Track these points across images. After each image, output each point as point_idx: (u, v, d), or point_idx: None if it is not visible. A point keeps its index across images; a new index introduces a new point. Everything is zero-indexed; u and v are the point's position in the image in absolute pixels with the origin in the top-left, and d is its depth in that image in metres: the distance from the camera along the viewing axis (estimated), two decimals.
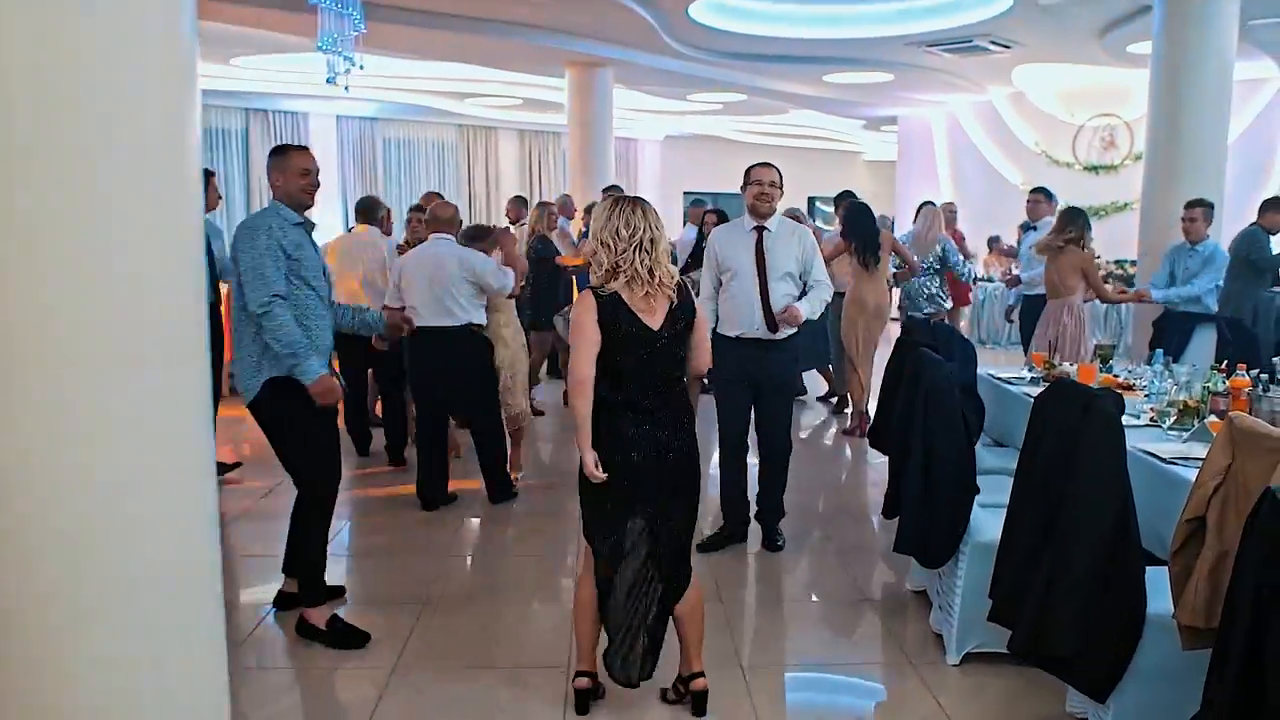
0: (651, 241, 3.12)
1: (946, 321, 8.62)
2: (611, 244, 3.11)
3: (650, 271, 3.11)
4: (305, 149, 4.07)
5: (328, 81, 6.87)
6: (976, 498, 3.80)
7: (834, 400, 8.71)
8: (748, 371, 4.83)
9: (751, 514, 5.09)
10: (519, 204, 10.10)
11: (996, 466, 4.74)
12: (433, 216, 5.73)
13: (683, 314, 3.20)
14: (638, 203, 3.17)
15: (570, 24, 10.23)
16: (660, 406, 3.18)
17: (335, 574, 4.53)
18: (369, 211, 7.16)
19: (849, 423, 7.91)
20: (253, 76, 13.27)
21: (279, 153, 4.00)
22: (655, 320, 3.14)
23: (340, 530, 5.37)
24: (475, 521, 5.64)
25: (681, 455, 3.21)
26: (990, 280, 13.22)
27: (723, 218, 8.24)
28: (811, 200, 22.71)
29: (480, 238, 5.80)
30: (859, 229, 7.50)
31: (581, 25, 10.33)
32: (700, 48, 11.27)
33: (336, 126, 16.11)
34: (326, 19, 6.04)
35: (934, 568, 3.87)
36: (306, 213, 3.96)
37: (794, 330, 4.82)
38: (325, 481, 4.02)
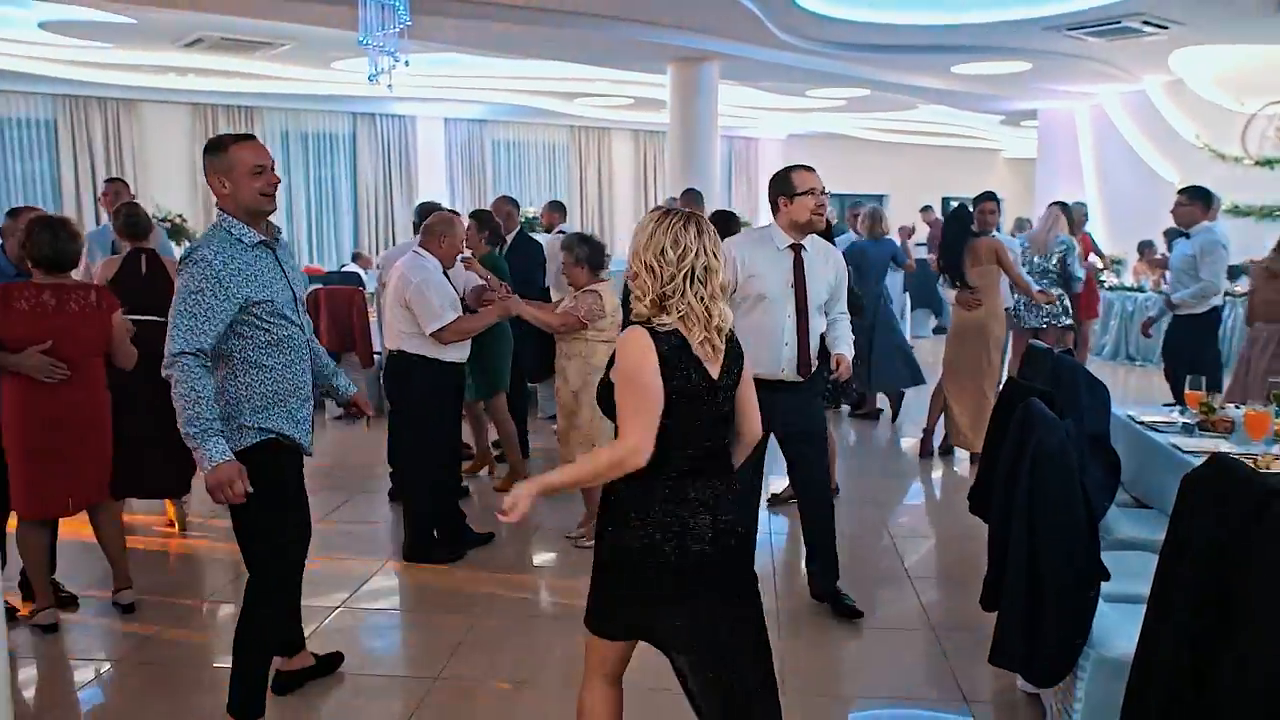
0: (706, 270, 2.39)
1: (1069, 337, 7.59)
2: (657, 267, 2.38)
3: (708, 311, 2.39)
4: (251, 137, 3.15)
5: (369, 80, 6.36)
6: (1105, 584, 2.92)
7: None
8: (772, 420, 4.04)
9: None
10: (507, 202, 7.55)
11: (1137, 537, 3.82)
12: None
13: (736, 363, 2.51)
14: (693, 219, 2.43)
15: (671, 16, 9.53)
16: (718, 474, 2.47)
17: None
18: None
19: (927, 443, 7.20)
20: (358, 80, 13.06)
21: (215, 149, 3.06)
22: (715, 369, 2.44)
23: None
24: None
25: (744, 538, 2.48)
26: (1141, 290, 11.89)
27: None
28: (946, 200, 21.42)
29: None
30: (943, 242, 6.65)
31: (683, 17, 9.62)
32: (811, 38, 10.41)
33: (444, 129, 15.83)
34: (367, 11, 5.50)
35: (1043, 687, 3.00)
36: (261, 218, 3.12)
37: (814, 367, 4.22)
38: (278, 565, 3.31)
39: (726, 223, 5.98)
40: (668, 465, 2.38)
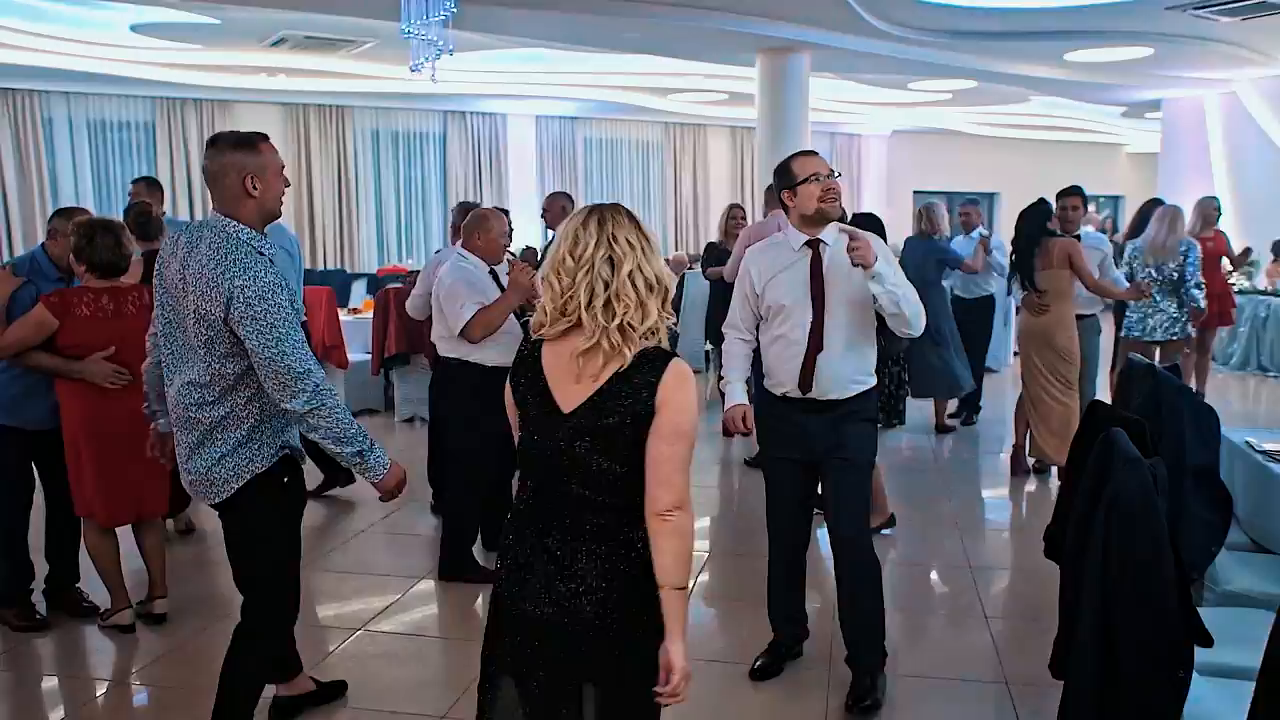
0: (611, 263, 2.01)
1: (1188, 349, 6.87)
2: (555, 278, 2.04)
3: (605, 307, 2.00)
4: (267, 137, 2.90)
5: (412, 70, 6.09)
6: (1206, 653, 2.41)
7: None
8: (802, 444, 3.56)
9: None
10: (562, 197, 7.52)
11: (1252, 590, 3.26)
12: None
13: (628, 397, 2.00)
14: (597, 211, 2.08)
15: (757, 4, 9.06)
16: (566, 544, 2.05)
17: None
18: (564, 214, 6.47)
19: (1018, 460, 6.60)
20: (448, 78, 12.96)
21: (247, 145, 2.80)
22: (571, 394, 2.04)
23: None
24: None
25: (588, 621, 2.03)
26: (1276, 294, 10.90)
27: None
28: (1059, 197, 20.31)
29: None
30: (1015, 238, 6.11)
31: (770, 6, 9.14)
32: (908, 26, 9.79)
33: (535, 127, 15.64)
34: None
35: None
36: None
37: (867, 385, 3.55)
38: (286, 588, 3.05)
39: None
40: (528, 510, 2.14)
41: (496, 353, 4.55)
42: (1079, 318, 6.17)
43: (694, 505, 2.05)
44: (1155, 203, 7.05)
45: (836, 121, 17.48)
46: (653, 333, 2.04)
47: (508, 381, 2.15)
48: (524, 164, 15.57)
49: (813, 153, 3.57)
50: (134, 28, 9.93)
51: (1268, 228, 11.55)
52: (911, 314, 3.37)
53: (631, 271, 2.02)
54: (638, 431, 1.97)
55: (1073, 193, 6.32)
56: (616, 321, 1.98)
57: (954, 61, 11.16)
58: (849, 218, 5.40)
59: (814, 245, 3.50)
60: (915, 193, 19.46)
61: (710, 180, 17.25)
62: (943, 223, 7.73)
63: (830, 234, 3.49)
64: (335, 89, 12.92)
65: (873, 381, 3.56)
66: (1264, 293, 11.06)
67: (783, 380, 3.53)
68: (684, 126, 16.74)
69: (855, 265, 3.30)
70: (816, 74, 11.05)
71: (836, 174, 3.47)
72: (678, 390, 2.00)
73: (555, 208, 6.60)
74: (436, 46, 5.84)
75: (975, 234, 8.26)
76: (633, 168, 16.63)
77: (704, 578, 4.88)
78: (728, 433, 4.53)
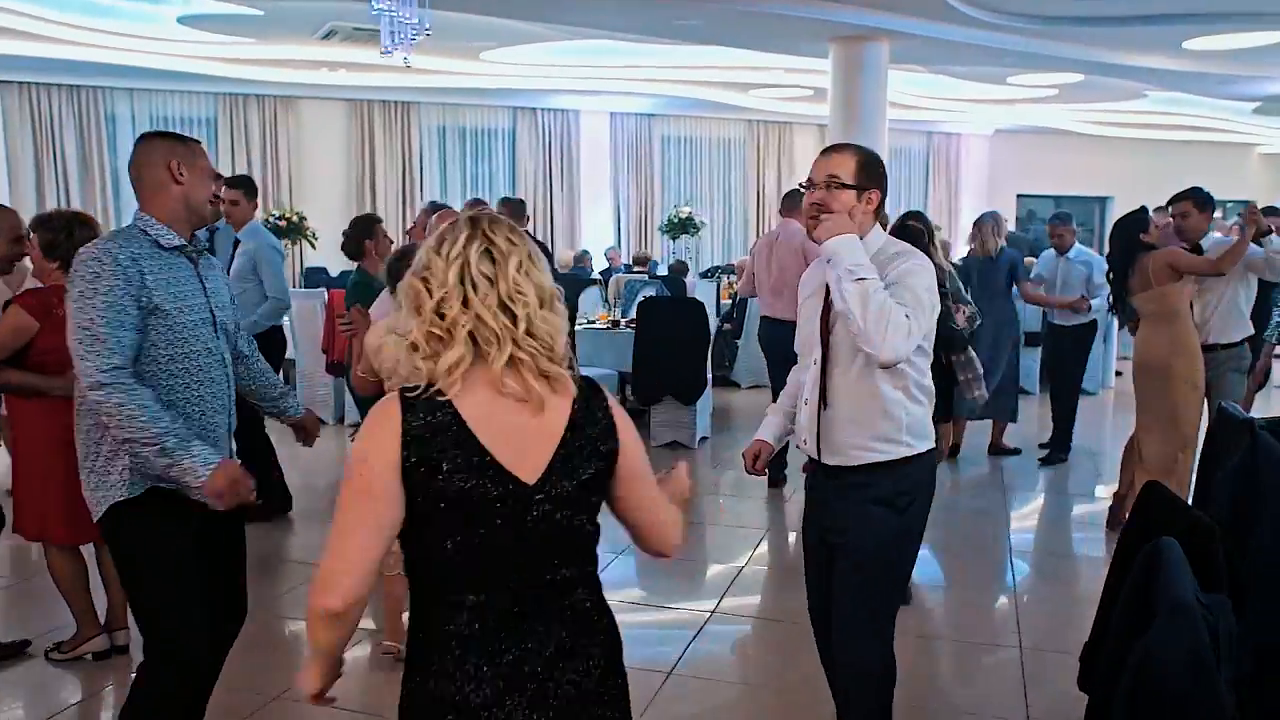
0: (491, 258, 1.61)
1: None
2: (419, 286, 1.61)
3: (504, 310, 1.59)
4: (198, 140, 2.81)
5: (383, 53, 5.52)
6: None
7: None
8: (817, 518, 2.87)
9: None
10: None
11: None
12: None
13: (597, 438, 1.67)
14: (467, 218, 1.66)
15: None
16: (537, 615, 1.64)
17: None
18: (518, 216, 5.85)
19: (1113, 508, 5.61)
20: (518, 73, 12.49)
21: (179, 138, 2.76)
22: (528, 455, 1.59)
23: None
24: None
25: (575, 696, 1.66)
26: None
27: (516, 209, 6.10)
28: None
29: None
30: (1110, 258, 5.32)
31: None
32: (1000, 11, 8.83)
33: (609, 124, 15.03)
34: None
35: None
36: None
37: (882, 455, 2.67)
38: (171, 651, 2.63)
39: (903, 229, 4.63)
40: (471, 612, 1.60)
41: None
42: (1220, 346, 5.19)
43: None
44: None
45: (934, 119, 16.43)
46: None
47: (394, 471, 1.55)
48: (597, 162, 14.99)
49: (823, 153, 2.78)
50: (181, 20, 9.67)
51: None
52: (869, 328, 2.46)
53: (522, 264, 1.61)
54: (605, 478, 1.68)
55: (1182, 198, 5.31)
56: (524, 327, 1.58)
57: (1054, 51, 10.11)
58: (888, 224, 4.64)
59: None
60: (1019, 196, 18.24)
61: (796, 180, 16.37)
62: (991, 239, 6.83)
63: (870, 248, 2.69)
64: (399, 84, 12.54)
65: (897, 452, 2.65)
66: None
67: (800, 433, 2.88)
68: (768, 124, 15.91)
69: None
70: (897, 65, 10.15)
71: (824, 184, 2.66)
72: (625, 417, 1.73)
73: (423, 221, 5.44)
74: (412, 26, 5.25)
75: (1075, 253, 7.17)
76: (713, 167, 15.88)
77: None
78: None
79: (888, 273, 2.58)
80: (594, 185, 14.89)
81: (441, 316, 1.56)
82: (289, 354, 7.40)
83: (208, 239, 5.47)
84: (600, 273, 12.22)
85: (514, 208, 5.94)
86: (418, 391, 1.56)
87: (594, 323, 8.41)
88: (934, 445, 2.75)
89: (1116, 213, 18.83)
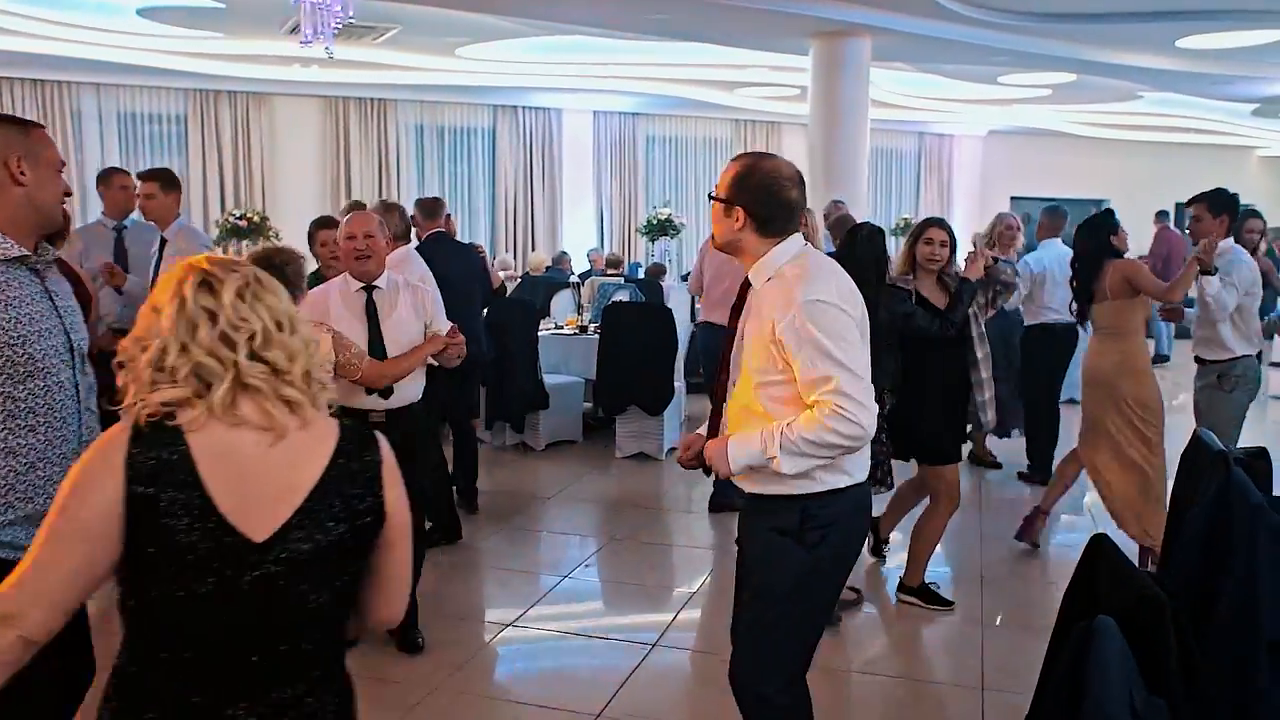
0: (210, 289, 1.45)
1: None
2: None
3: (255, 358, 1.42)
4: (41, 126, 2.42)
5: (302, 44, 5.20)
6: None
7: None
8: (738, 536, 2.68)
9: None
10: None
11: None
12: None
13: (353, 496, 1.46)
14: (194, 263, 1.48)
15: None
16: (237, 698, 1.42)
17: None
18: (432, 214, 5.57)
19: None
20: (497, 70, 12.17)
21: (17, 124, 2.36)
22: (263, 514, 1.38)
23: None
24: None
25: None
26: None
27: None
28: (1179, 207, 18.48)
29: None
30: (1075, 261, 5.08)
31: None
32: (988, 7, 8.52)
33: (592, 123, 14.70)
34: None
35: None
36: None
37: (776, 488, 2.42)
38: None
39: (858, 240, 4.18)
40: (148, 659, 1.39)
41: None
42: (1225, 361, 4.81)
43: None
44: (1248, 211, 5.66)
45: (925, 120, 16.12)
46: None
47: (113, 508, 1.33)
48: (580, 162, 14.66)
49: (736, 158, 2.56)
50: (140, 12, 9.36)
51: None
52: (823, 456, 2.34)
53: (242, 291, 1.43)
54: (360, 543, 1.46)
55: (1198, 200, 4.91)
56: (246, 353, 1.39)
57: (1044, 50, 9.80)
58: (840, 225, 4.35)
59: (744, 286, 2.55)
60: (1013, 198, 17.90)
61: None
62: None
63: (763, 272, 2.45)
64: (375, 80, 12.24)
65: (804, 486, 2.39)
66: None
67: None
68: (755, 123, 15.59)
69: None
70: (880, 63, 9.85)
71: (722, 196, 2.47)
72: (396, 473, 1.53)
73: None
74: (335, 14, 4.93)
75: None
76: (699, 167, 15.54)
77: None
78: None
79: (785, 323, 2.31)
80: (576, 185, 14.58)
81: (161, 369, 1.39)
82: None
83: (116, 237, 5.19)
84: (580, 275, 11.90)
85: (425, 208, 5.64)
86: (151, 420, 1.35)
87: (562, 328, 8.10)
88: (859, 480, 2.47)
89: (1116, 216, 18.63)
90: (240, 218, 9.56)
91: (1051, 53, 9.92)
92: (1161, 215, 13.16)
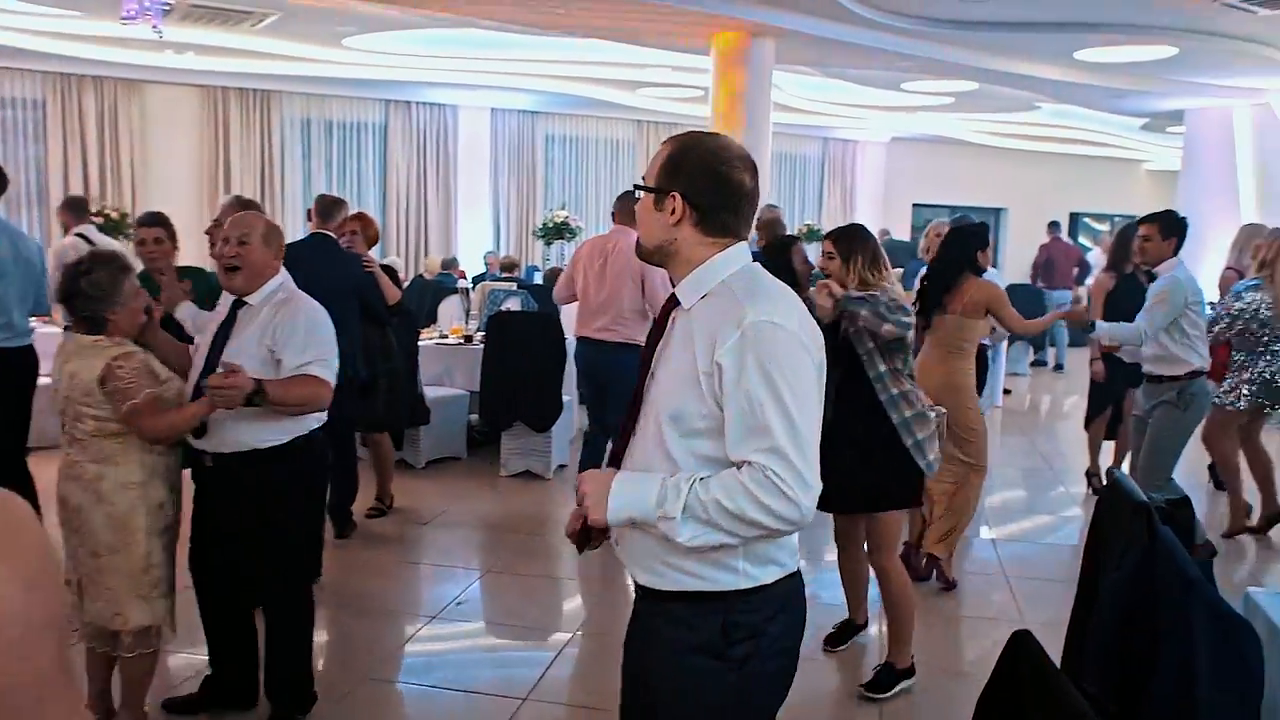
0: None
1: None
2: None
3: None
4: None
5: (123, 21, 4.73)
6: None
7: None
8: (629, 649, 2.11)
9: None
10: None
11: None
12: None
13: None
14: None
15: None
16: None
17: None
18: (326, 215, 5.08)
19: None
20: (388, 62, 11.58)
21: None
22: None
23: None
24: None
25: None
26: None
27: None
28: (1075, 217, 18.86)
29: None
30: (940, 261, 4.88)
31: None
32: (892, 11, 8.33)
33: (490, 120, 14.20)
34: None
35: None
36: None
37: (743, 583, 1.86)
38: None
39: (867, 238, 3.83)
40: None
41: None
42: (1184, 377, 4.81)
43: None
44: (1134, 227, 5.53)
45: (829, 125, 16.03)
46: None
47: None
48: (476, 161, 14.13)
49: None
50: None
51: None
52: (746, 530, 1.76)
53: None
54: None
55: (1150, 220, 4.95)
56: None
57: (947, 56, 9.68)
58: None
59: (668, 305, 1.98)
60: (915, 205, 18.00)
61: None
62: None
63: (698, 286, 1.89)
64: (257, 70, 11.53)
65: (726, 581, 1.84)
66: None
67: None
68: (658, 125, 15.26)
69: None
70: (785, 66, 9.60)
71: (643, 188, 1.93)
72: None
73: (226, 214, 4.39)
74: None
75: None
76: (599, 169, 15.14)
77: None
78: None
79: (725, 346, 1.76)
80: (472, 185, 14.04)
81: None
82: None
83: None
84: (474, 279, 11.41)
85: (322, 206, 5.13)
86: None
87: (446, 337, 7.62)
88: (792, 569, 1.93)
89: (1013, 224, 18.93)
90: (97, 213, 8.79)
91: (954, 60, 9.82)
92: (1053, 225, 13.28)
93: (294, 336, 3.06)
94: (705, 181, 1.86)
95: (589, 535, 2.02)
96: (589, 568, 5.27)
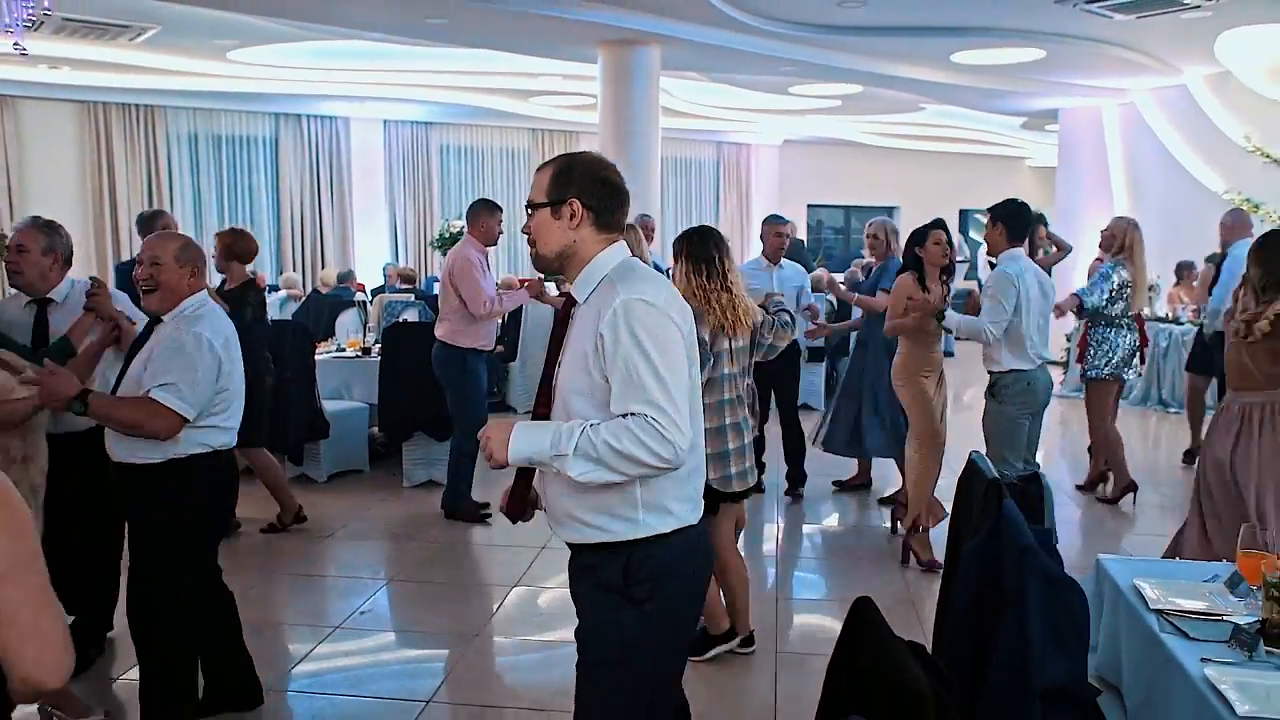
0: None
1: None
2: None
3: None
4: None
5: None
6: None
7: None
8: None
9: None
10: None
11: None
12: None
13: None
14: None
15: None
16: None
17: None
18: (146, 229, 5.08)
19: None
20: (276, 75, 11.41)
21: None
22: None
23: None
24: None
25: None
26: (1178, 322, 9.92)
27: None
28: (965, 214, 19.51)
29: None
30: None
31: None
32: (771, 17, 8.57)
33: (383, 132, 14.09)
34: None
35: None
36: None
37: (604, 535, 2.20)
38: None
39: (705, 242, 3.88)
40: None
41: None
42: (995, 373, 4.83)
43: None
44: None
45: (722, 130, 16.32)
46: None
47: None
48: (370, 173, 14.02)
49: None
50: None
51: (1172, 248, 10.57)
52: (625, 468, 2.06)
53: None
54: None
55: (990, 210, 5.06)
56: None
57: (830, 61, 9.98)
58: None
59: (567, 301, 2.32)
60: (810, 205, 18.41)
61: None
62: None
63: (588, 281, 2.22)
64: (139, 85, 11.25)
65: (625, 531, 2.15)
66: (1165, 320, 10.07)
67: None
68: (554, 133, 15.34)
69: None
70: (671, 72, 9.79)
71: (539, 205, 2.24)
72: None
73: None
74: (24, 4, 4.34)
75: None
76: (495, 178, 15.15)
77: None
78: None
79: (605, 321, 2.09)
80: (367, 197, 13.93)
81: None
82: None
83: None
84: (373, 291, 11.31)
85: (140, 221, 5.20)
86: None
87: (344, 350, 7.57)
88: (690, 523, 2.22)
89: (904, 222, 19.45)
90: None
91: (836, 64, 10.12)
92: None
93: (160, 356, 3.04)
94: (594, 185, 2.19)
95: (522, 507, 2.38)
96: (493, 573, 5.32)
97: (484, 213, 5.84)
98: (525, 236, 2.27)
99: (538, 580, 5.06)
